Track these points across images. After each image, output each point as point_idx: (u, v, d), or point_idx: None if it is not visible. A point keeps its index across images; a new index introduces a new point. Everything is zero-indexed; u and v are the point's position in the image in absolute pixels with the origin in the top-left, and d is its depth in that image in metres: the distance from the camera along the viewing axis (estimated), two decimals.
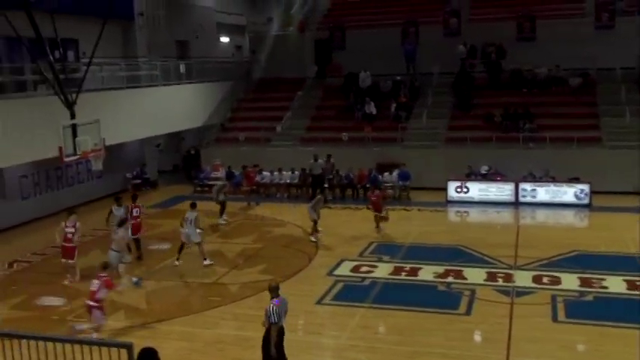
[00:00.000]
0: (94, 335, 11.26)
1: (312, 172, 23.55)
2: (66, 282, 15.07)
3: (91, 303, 11.62)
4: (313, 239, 17.99)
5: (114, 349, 7.81)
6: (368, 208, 19.68)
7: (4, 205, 20.60)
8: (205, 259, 16.06)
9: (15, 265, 16.94)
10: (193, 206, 16.56)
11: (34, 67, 18.75)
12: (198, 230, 16.15)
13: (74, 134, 16.43)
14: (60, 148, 16.06)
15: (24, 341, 8.48)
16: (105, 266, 12.25)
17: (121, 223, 15.45)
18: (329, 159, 24.01)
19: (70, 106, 17.00)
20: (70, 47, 22.81)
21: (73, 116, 16.87)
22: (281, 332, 9.44)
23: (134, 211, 16.73)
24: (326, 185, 23.43)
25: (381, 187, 21.78)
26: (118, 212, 16.69)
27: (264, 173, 24.74)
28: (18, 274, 16.17)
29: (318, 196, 19.19)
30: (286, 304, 9.71)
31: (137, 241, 16.82)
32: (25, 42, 17.54)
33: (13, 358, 8.57)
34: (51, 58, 16.89)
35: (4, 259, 17.26)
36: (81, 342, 8.40)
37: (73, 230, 15.18)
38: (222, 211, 20.72)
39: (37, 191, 22.03)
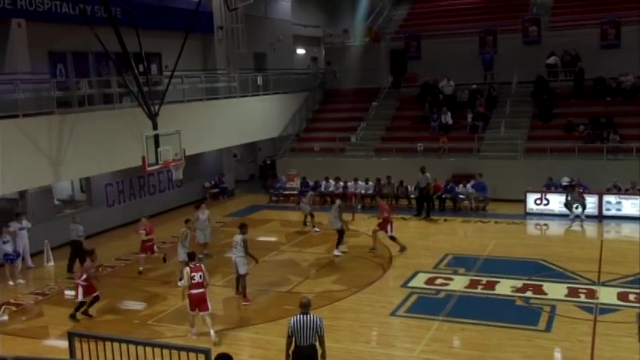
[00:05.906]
0: None
1: (419, 186, 22.40)
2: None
3: None
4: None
5: (192, 354, 8.05)
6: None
7: (91, 211, 21.57)
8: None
9: (100, 269, 17.63)
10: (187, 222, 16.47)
11: (119, 80, 19.58)
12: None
13: (156, 144, 17.03)
14: (143, 158, 16.68)
15: (107, 343, 8.85)
16: None
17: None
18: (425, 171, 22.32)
19: (152, 117, 17.64)
20: (153, 61, 23.79)
21: (155, 127, 17.50)
22: (296, 350, 9.01)
23: None
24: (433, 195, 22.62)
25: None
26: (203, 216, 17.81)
27: (340, 183, 24.79)
28: (102, 279, 16.79)
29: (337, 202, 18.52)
30: (315, 323, 8.91)
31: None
32: (111, 56, 18.36)
33: (98, 359, 8.96)
34: (135, 71, 17.58)
35: None
36: (160, 345, 8.68)
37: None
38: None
39: (121, 199, 22.97)
